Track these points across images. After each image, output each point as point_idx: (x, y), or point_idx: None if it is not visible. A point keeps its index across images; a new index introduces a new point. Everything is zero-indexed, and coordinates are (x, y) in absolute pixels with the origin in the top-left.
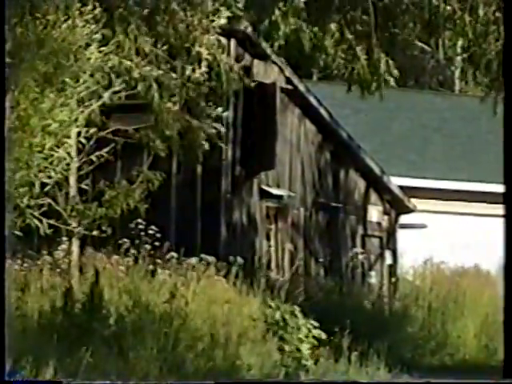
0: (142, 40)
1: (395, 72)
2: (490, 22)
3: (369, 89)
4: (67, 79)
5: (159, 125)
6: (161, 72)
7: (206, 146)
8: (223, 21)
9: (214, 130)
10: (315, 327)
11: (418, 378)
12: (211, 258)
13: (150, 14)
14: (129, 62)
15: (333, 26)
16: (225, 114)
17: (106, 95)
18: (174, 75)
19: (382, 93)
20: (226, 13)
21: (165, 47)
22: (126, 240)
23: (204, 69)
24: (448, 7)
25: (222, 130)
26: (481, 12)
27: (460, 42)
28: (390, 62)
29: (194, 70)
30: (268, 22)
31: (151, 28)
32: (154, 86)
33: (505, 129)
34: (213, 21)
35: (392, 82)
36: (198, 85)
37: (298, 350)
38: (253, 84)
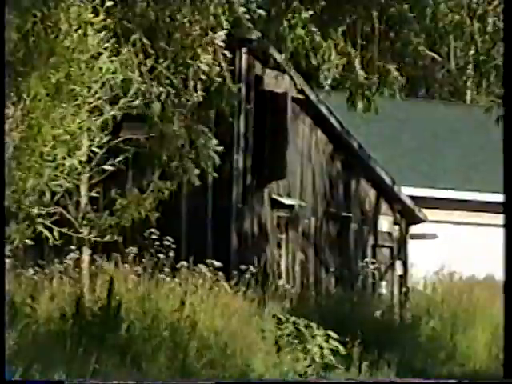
0: (142, 55)
1: (401, 80)
2: (499, 30)
3: (365, 100)
4: (78, 88)
5: (163, 138)
6: (162, 89)
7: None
8: (222, 33)
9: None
10: (329, 337)
11: None
12: (218, 264)
13: (151, 27)
14: (132, 74)
15: (338, 37)
16: (219, 148)
17: (121, 103)
18: (173, 92)
19: (377, 106)
20: (225, 25)
21: (165, 63)
22: (136, 249)
23: (200, 92)
24: (456, 16)
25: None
26: (489, 20)
27: (471, 52)
28: (396, 73)
29: (195, 90)
30: (275, 33)
31: (153, 42)
32: (156, 102)
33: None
34: (213, 30)
35: (396, 90)
36: (199, 106)
37: (312, 359)
38: (264, 96)
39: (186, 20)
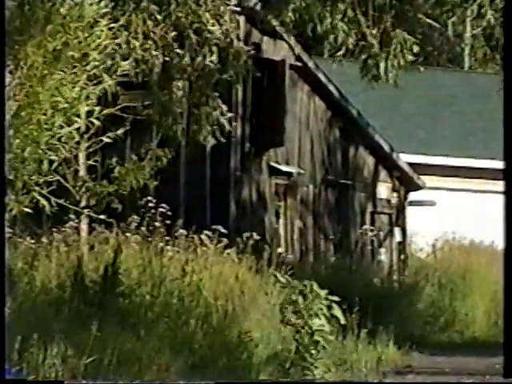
0: (151, 23)
1: (415, 48)
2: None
3: (380, 72)
4: (76, 56)
5: (163, 105)
6: (167, 58)
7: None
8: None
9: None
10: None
11: (428, 355)
12: (217, 231)
13: None
14: (135, 42)
15: (343, 5)
16: (229, 114)
17: (119, 70)
18: (183, 60)
19: (397, 76)
20: None
21: (174, 33)
22: (135, 217)
23: (213, 54)
24: None
25: (227, 125)
26: None
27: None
28: (408, 37)
29: (204, 57)
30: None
31: (161, 9)
32: (159, 66)
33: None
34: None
35: (411, 57)
36: (209, 72)
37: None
38: (262, 64)
39: None
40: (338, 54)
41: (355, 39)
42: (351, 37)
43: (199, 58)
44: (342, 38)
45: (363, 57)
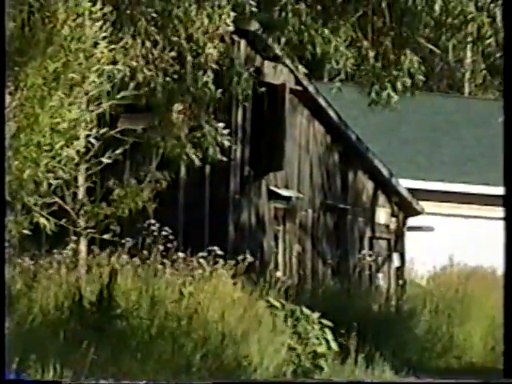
0: (150, 44)
1: (423, 69)
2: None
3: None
4: (76, 78)
5: (164, 127)
6: (167, 79)
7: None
8: (229, 19)
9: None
10: (327, 327)
11: (425, 381)
12: (216, 253)
13: (159, 16)
14: (135, 63)
15: (345, 27)
16: (226, 131)
17: (120, 94)
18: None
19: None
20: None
21: (172, 53)
22: (134, 240)
23: (209, 77)
24: (467, 8)
25: (226, 143)
26: (498, 13)
27: (471, 44)
28: (415, 58)
29: (205, 72)
30: (278, 14)
31: (160, 31)
32: (159, 89)
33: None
34: (220, 17)
35: (422, 78)
36: (206, 91)
37: (311, 350)
38: (263, 88)
39: (192, 8)
40: (338, 77)
41: (356, 62)
42: (351, 59)
43: (199, 80)
44: (343, 61)
45: (366, 80)
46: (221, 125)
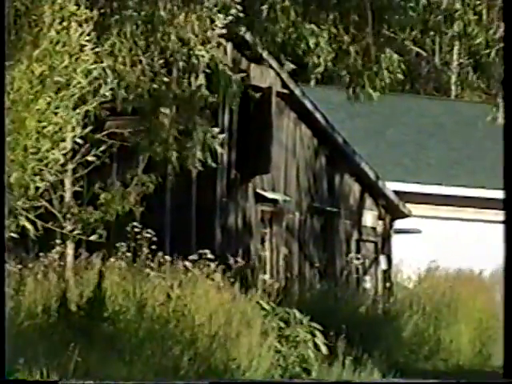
0: (138, 50)
1: (403, 66)
2: (493, 22)
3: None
4: (62, 81)
5: (152, 131)
6: (154, 85)
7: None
8: (219, 22)
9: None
10: (316, 329)
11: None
12: (202, 256)
13: (147, 20)
14: (122, 67)
15: (328, 26)
16: (221, 136)
17: (101, 91)
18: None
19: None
20: (222, 19)
21: (161, 61)
22: (121, 243)
23: (202, 80)
24: (453, 5)
25: (219, 150)
26: (484, 11)
27: (457, 47)
28: (395, 56)
29: (197, 76)
30: (267, 13)
31: (148, 35)
32: (146, 95)
33: (505, 134)
34: (212, 21)
35: (400, 76)
36: (196, 95)
37: (299, 353)
38: (249, 91)
39: (180, 12)
40: (317, 70)
41: (337, 57)
42: (331, 54)
43: (185, 83)
44: (324, 56)
45: (346, 75)
46: (216, 129)
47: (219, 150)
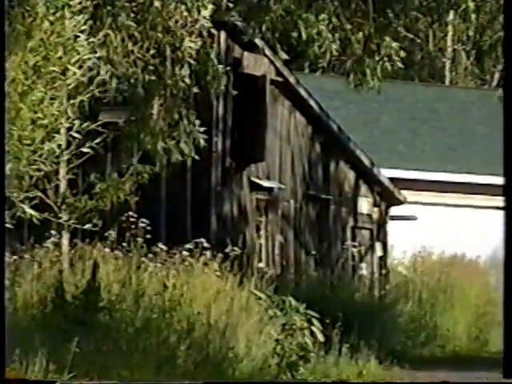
0: (130, 41)
1: (402, 53)
2: (494, 9)
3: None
4: (56, 71)
5: (143, 122)
6: (147, 77)
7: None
8: (207, 13)
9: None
10: (313, 317)
11: (409, 370)
12: (206, 243)
13: (137, 9)
14: (115, 57)
15: (328, 14)
16: (201, 129)
17: (95, 82)
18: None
19: (380, 84)
20: (210, 5)
21: (152, 51)
22: (116, 233)
23: (186, 71)
24: None
25: (202, 143)
26: None
27: (451, 32)
28: (394, 44)
29: (182, 67)
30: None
31: (139, 25)
32: (140, 87)
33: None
34: (199, 11)
35: (400, 64)
36: (183, 85)
37: (296, 340)
38: (243, 79)
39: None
40: (322, 60)
41: (340, 46)
42: (335, 43)
43: (177, 74)
44: (326, 45)
45: (349, 64)
46: (197, 122)
47: (202, 143)
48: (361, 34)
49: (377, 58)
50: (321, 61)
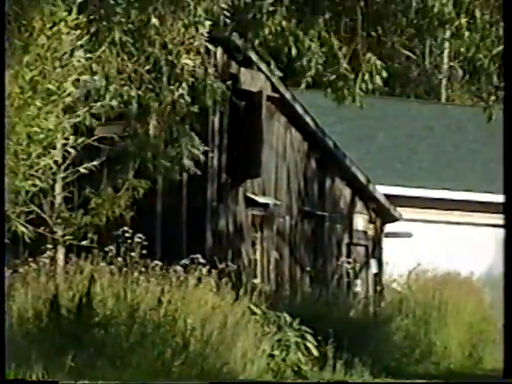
0: (125, 57)
1: (384, 73)
2: (487, 25)
3: (351, 95)
4: (53, 86)
5: (139, 138)
6: (140, 93)
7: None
8: (205, 30)
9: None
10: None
11: None
12: (201, 259)
13: (134, 26)
14: (110, 72)
15: (318, 29)
16: (207, 154)
17: (98, 105)
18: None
19: (362, 101)
20: (207, 22)
21: (147, 67)
22: (111, 248)
23: (184, 89)
24: (445, 8)
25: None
26: (478, 14)
27: (447, 49)
28: (378, 62)
29: (180, 85)
30: (252, 17)
31: (136, 42)
32: (134, 104)
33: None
34: (196, 29)
35: (379, 82)
36: (182, 105)
37: (292, 357)
38: (239, 95)
39: (168, 18)
40: (309, 73)
41: (327, 61)
42: (321, 57)
43: (173, 92)
44: (314, 60)
45: (332, 77)
46: (197, 138)
47: (202, 158)
48: (346, 49)
49: (361, 74)
50: (307, 74)
